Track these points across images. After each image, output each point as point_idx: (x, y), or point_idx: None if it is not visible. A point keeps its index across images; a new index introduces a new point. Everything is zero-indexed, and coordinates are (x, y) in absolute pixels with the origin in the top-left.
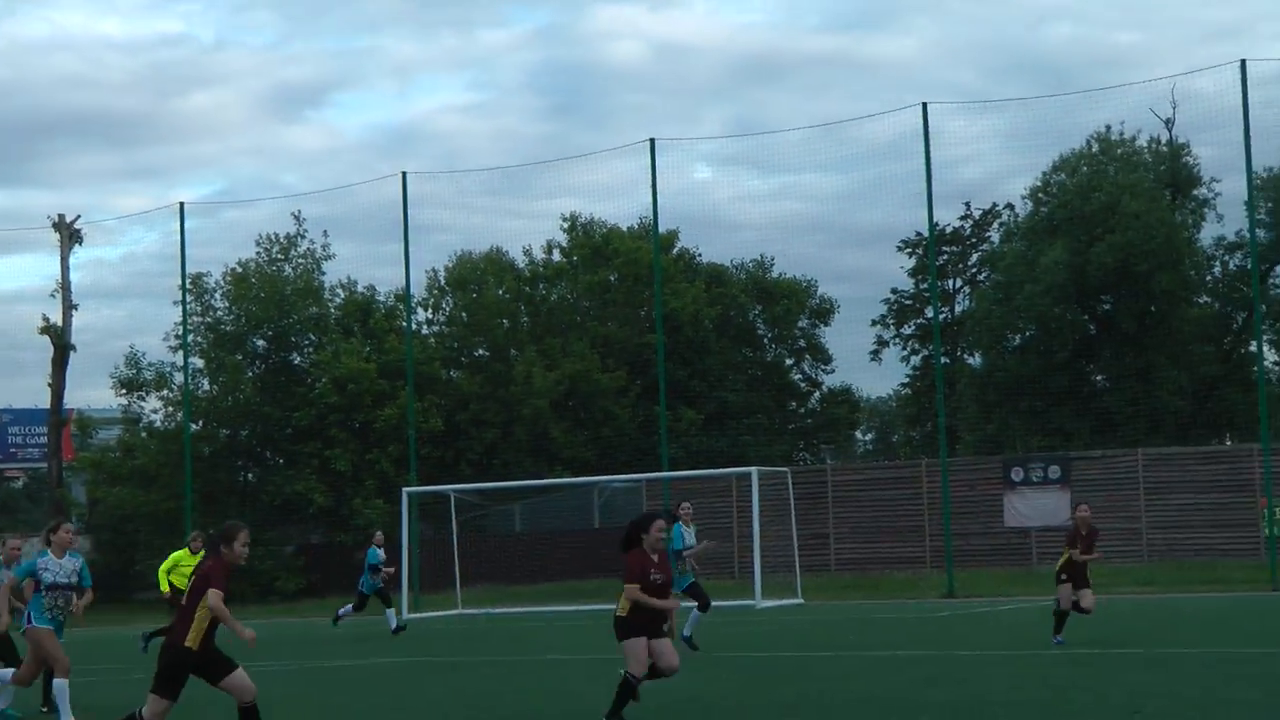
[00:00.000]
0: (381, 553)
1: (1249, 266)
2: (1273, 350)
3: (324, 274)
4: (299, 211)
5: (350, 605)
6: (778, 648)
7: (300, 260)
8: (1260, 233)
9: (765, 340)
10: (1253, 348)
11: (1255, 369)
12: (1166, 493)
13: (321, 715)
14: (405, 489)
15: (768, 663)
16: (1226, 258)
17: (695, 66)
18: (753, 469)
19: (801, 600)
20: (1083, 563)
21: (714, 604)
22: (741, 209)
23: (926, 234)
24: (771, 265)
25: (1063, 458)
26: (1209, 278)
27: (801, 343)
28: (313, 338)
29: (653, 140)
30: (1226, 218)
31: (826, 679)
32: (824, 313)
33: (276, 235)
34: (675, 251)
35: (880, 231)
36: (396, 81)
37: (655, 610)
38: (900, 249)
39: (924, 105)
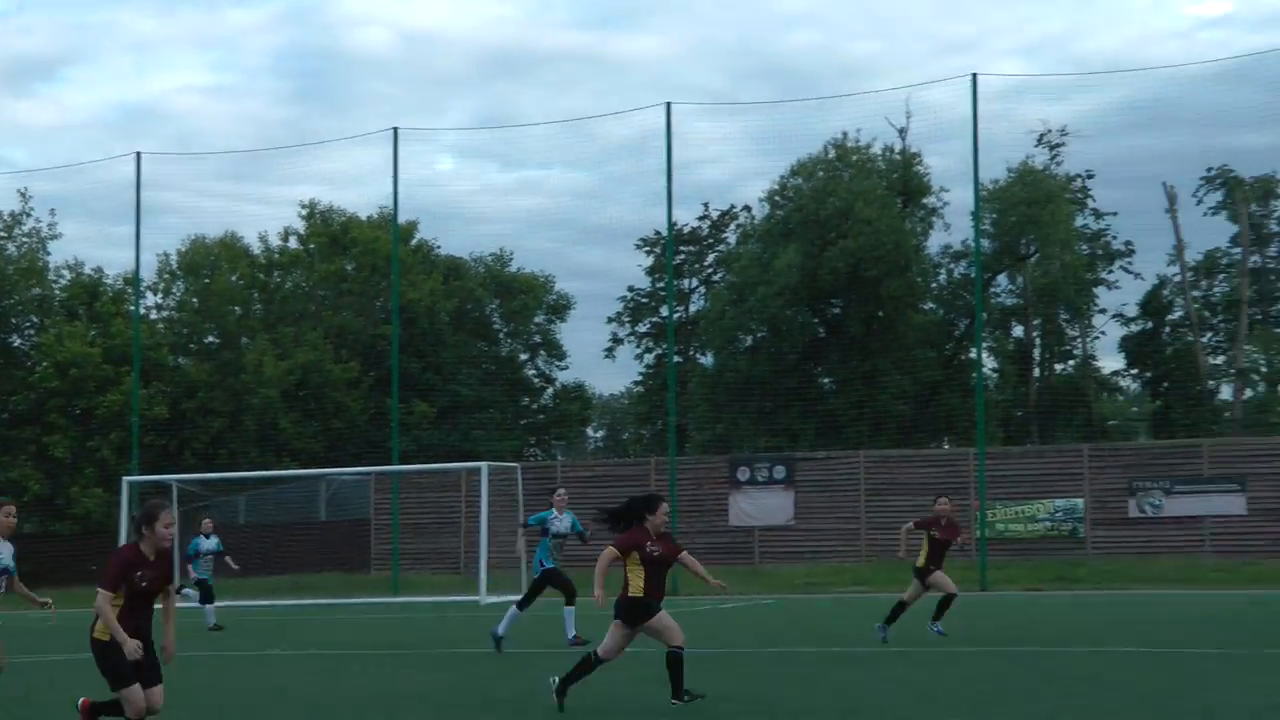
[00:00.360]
0: (210, 541)
1: (973, 275)
2: (992, 357)
3: (49, 254)
4: (25, 188)
5: (208, 607)
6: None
7: (25, 239)
8: (984, 242)
9: (501, 335)
10: (973, 354)
11: (974, 375)
12: (886, 494)
13: (36, 714)
14: (125, 478)
15: (489, 660)
16: (952, 266)
17: (442, 57)
18: (483, 464)
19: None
20: (942, 552)
21: (439, 600)
22: (483, 202)
23: (665, 233)
24: (510, 259)
25: (788, 458)
26: (934, 285)
27: (537, 338)
28: (35, 320)
29: (396, 130)
30: (953, 227)
31: (545, 676)
32: (560, 308)
33: (0, 212)
34: (414, 243)
35: (620, 229)
36: (134, 58)
37: (664, 580)
38: (638, 247)
39: (668, 105)
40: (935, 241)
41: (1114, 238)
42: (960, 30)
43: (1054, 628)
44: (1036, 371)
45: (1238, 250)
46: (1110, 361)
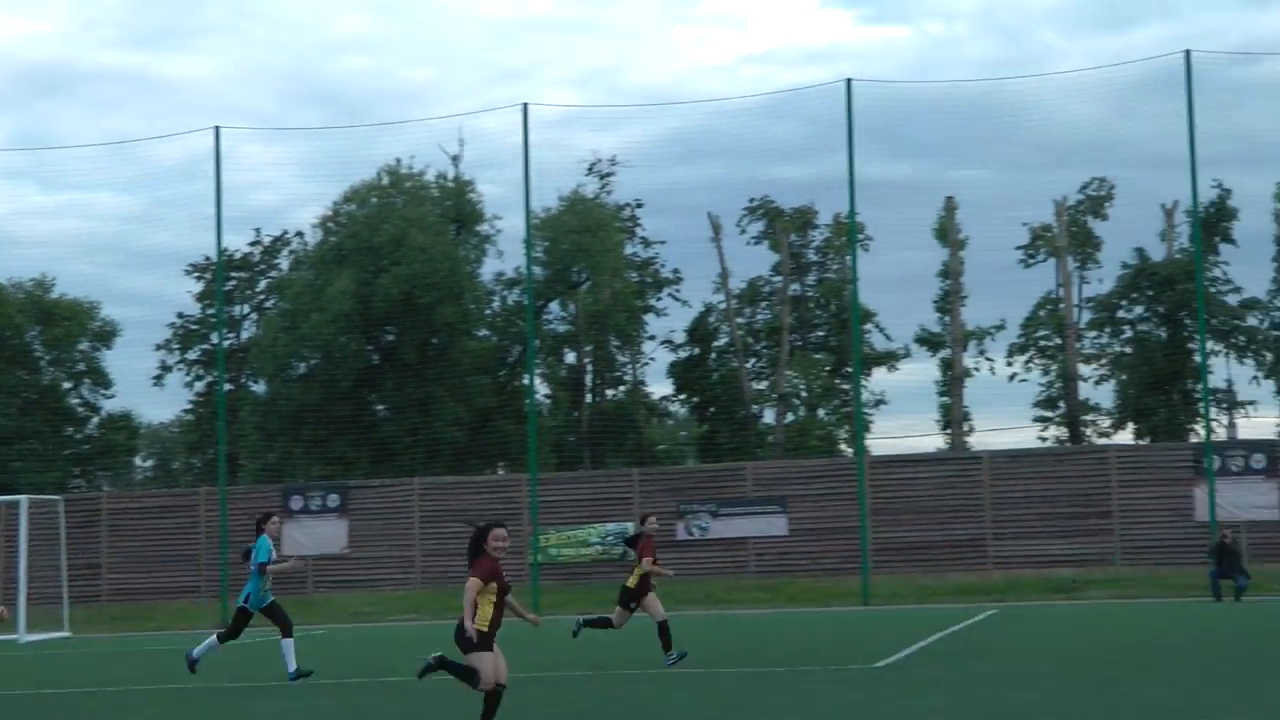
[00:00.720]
0: None
1: (526, 302)
2: (544, 384)
3: None
4: None
5: None
6: (43, 684)
7: None
8: (537, 270)
9: (42, 363)
10: (526, 380)
11: (527, 401)
12: (440, 521)
13: None
14: None
15: (34, 701)
16: (505, 293)
17: None
18: (22, 497)
19: (69, 633)
20: (649, 574)
21: None
22: (22, 225)
23: (215, 259)
24: (53, 285)
25: (341, 486)
26: (488, 312)
27: (81, 366)
28: None
29: None
30: (506, 254)
31: (97, 715)
32: (106, 335)
33: None
34: None
35: (169, 254)
36: None
37: (502, 610)
38: (188, 273)
39: (216, 129)
40: (489, 269)
41: (662, 266)
42: (512, 59)
43: (602, 651)
44: (588, 397)
45: (778, 278)
46: (659, 387)
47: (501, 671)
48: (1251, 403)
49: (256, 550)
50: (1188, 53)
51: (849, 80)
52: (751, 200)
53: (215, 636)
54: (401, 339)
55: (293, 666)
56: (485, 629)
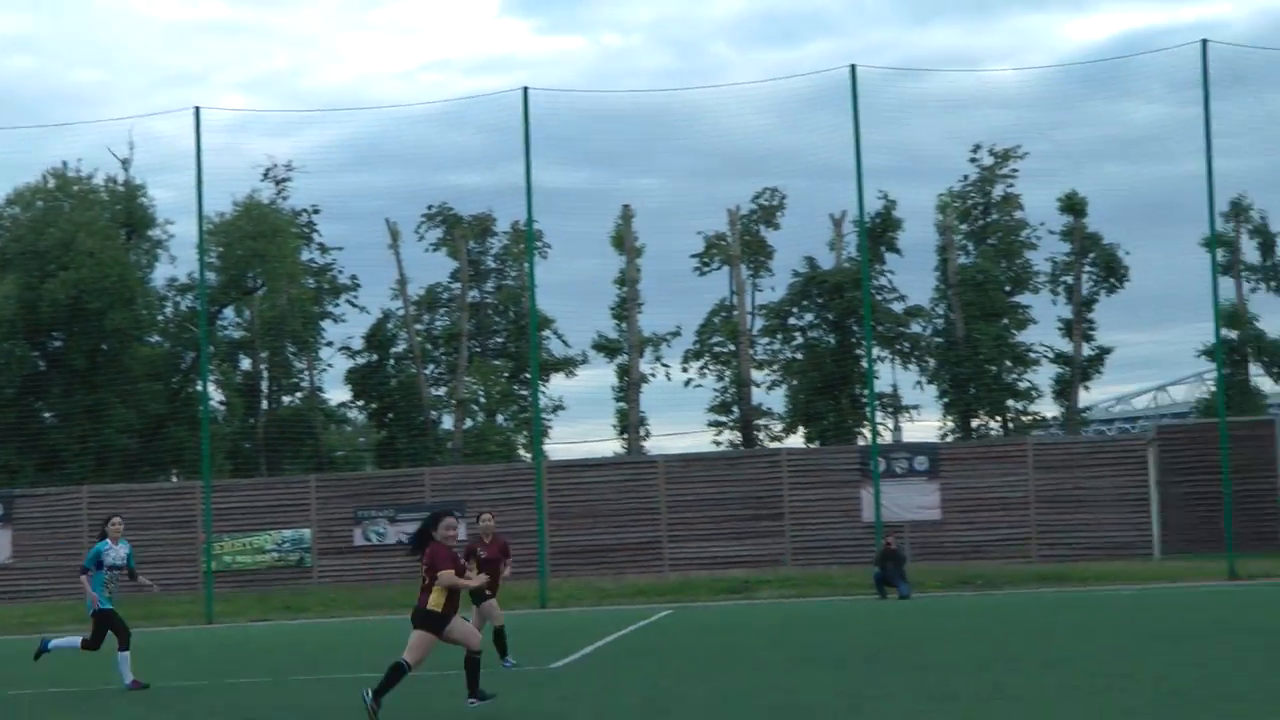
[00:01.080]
0: None
1: (199, 307)
2: (219, 390)
3: None
4: None
5: None
6: None
7: None
8: (211, 275)
9: None
10: (199, 386)
11: (201, 408)
12: None
13: None
14: None
15: None
16: (178, 299)
17: None
18: None
19: None
20: (494, 571)
21: None
22: None
23: None
24: None
25: (5, 495)
26: (161, 318)
27: None
28: None
29: None
30: (179, 259)
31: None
32: None
33: None
34: None
35: None
36: None
37: (460, 592)
38: None
39: None
40: (161, 274)
41: (340, 272)
42: (184, 63)
43: (278, 657)
44: (265, 404)
45: (457, 285)
46: (337, 393)
47: (474, 638)
48: (915, 407)
49: (94, 553)
50: (853, 67)
51: (525, 88)
52: (430, 207)
53: (121, 656)
54: (70, 345)
55: (128, 678)
56: (438, 610)
